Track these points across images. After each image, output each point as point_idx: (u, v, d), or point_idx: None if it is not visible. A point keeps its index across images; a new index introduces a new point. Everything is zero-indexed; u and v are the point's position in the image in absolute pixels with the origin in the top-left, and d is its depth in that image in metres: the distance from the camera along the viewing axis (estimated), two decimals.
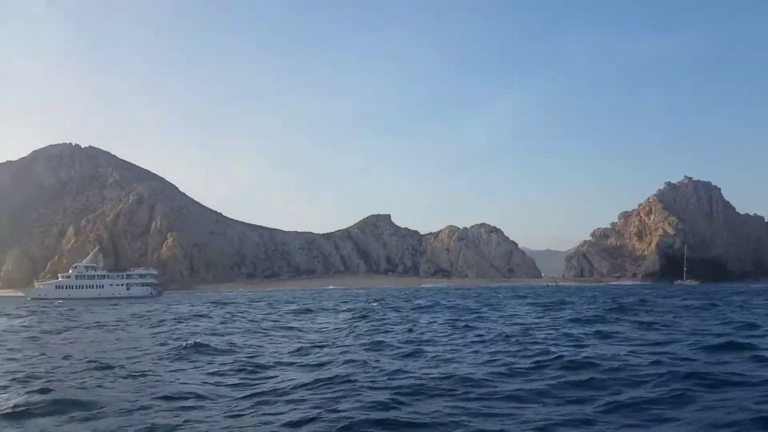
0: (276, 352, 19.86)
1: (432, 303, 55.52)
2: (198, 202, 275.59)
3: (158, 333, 28.51)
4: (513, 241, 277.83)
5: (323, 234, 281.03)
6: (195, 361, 17.77)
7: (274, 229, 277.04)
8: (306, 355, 18.92)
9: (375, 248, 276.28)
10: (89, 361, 17.69)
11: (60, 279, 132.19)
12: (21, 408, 11.35)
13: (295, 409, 10.90)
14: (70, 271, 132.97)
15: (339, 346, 20.79)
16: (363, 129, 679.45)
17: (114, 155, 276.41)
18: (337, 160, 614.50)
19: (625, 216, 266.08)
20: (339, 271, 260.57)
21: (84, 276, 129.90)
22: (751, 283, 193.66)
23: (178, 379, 14.70)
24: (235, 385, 13.83)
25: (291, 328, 29.37)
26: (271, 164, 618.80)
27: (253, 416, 10.60)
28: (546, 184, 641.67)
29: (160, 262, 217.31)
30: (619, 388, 12.05)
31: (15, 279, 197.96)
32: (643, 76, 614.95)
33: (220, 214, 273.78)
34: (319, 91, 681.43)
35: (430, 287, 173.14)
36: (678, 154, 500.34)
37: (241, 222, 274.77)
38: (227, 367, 16.33)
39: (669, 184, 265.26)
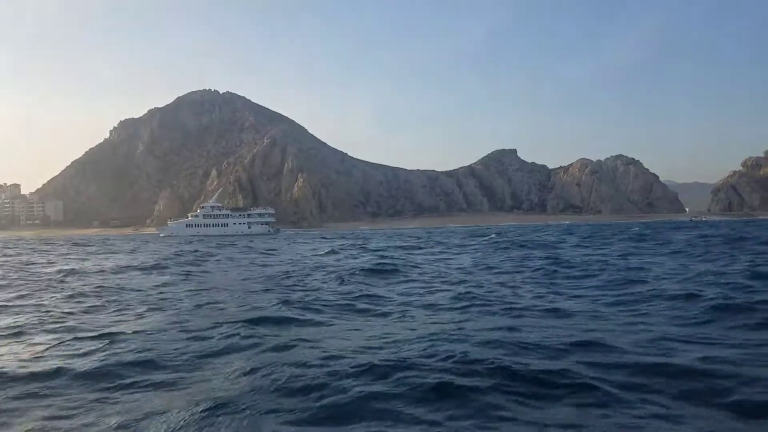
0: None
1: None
2: (325, 143, 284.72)
3: None
4: (653, 173, 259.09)
5: (446, 171, 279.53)
6: None
7: (396, 168, 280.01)
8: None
9: (499, 185, 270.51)
10: None
11: (190, 218, 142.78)
12: None
13: None
14: (198, 211, 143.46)
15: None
16: (487, 62, 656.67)
17: (249, 100, 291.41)
18: (460, 96, 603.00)
19: None
20: (462, 209, 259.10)
21: (210, 215, 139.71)
22: None
23: None
24: None
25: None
26: (393, 103, 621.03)
27: None
28: (693, 108, 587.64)
29: (292, 200, 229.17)
30: None
31: (166, 218, 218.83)
32: None
33: (346, 154, 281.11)
34: (442, 29, 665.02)
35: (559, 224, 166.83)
36: None
37: (365, 161, 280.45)
38: None
39: None
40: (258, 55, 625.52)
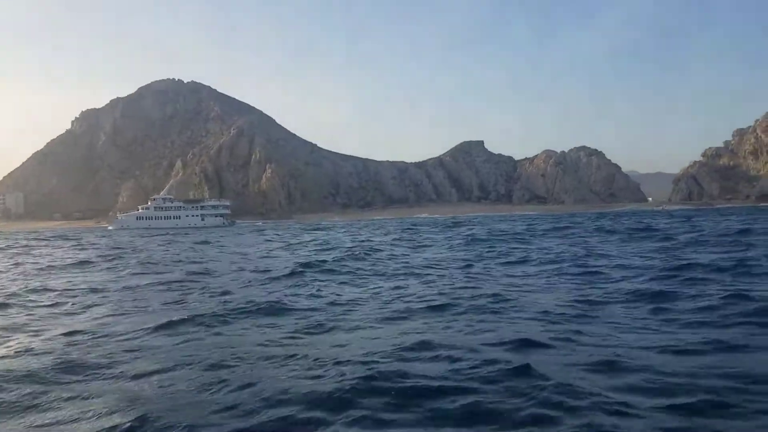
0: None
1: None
2: (294, 134, 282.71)
3: None
4: (615, 164, 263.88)
5: (415, 163, 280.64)
6: None
7: (366, 159, 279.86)
8: None
9: (467, 176, 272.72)
10: None
11: (140, 210, 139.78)
12: None
13: None
14: (149, 203, 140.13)
15: None
16: (454, 53, 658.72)
17: (215, 89, 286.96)
18: (429, 87, 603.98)
19: (740, 133, 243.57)
20: (431, 200, 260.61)
21: (162, 208, 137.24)
22: None
23: None
24: None
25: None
26: (362, 95, 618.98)
27: None
28: (654, 101, 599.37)
29: (260, 192, 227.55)
30: None
31: (130, 210, 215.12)
32: None
33: (315, 145, 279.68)
34: (409, 19, 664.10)
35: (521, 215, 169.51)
36: None
37: (335, 152, 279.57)
38: None
39: None
40: (225, 44, 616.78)
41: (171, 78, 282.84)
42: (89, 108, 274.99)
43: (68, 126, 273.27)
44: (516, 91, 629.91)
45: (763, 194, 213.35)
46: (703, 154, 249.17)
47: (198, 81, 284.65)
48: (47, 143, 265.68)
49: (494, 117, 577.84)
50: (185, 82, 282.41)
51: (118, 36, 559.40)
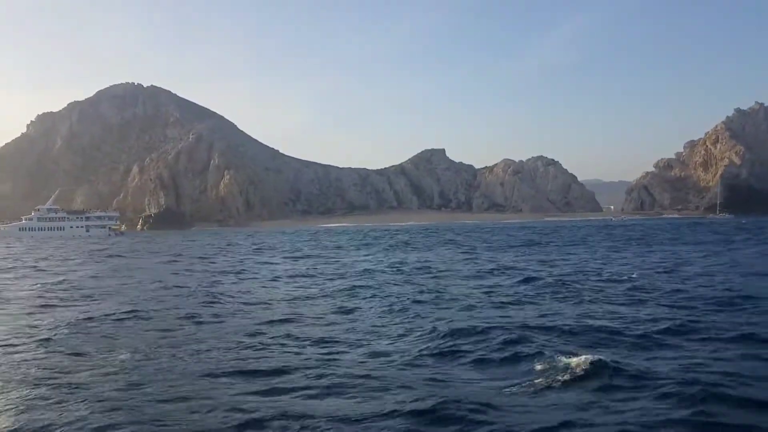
0: None
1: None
2: (255, 139, 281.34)
3: None
4: (572, 174, 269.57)
5: (377, 170, 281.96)
6: None
7: (328, 166, 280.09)
8: None
9: (428, 183, 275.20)
10: None
11: (23, 221, 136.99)
12: None
13: None
14: (33, 214, 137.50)
15: None
16: (417, 61, 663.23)
17: (174, 94, 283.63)
18: (390, 95, 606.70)
19: (691, 145, 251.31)
20: (392, 207, 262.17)
21: (46, 218, 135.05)
22: None
23: None
24: None
25: None
26: (325, 101, 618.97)
27: None
28: (609, 114, 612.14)
29: (218, 198, 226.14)
30: None
31: None
32: None
33: (277, 151, 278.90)
34: (369, 24, 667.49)
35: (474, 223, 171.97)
36: (753, 78, 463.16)
37: (296, 158, 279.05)
38: None
39: (738, 110, 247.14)
40: (187, 48, 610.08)
41: (130, 82, 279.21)
42: (45, 112, 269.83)
43: (24, 130, 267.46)
44: (478, 100, 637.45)
45: (711, 205, 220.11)
46: (655, 165, 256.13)
47: (158, 85, 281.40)
48: (1, 147, 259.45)
49: (456, 125, 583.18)
50: (144, 86, 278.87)
51: (76, 39, 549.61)
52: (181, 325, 15.11)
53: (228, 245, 64.04)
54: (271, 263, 37.13)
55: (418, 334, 13.03)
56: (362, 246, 55.49)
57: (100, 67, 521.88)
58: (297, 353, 11.53)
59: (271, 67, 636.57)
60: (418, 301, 18.07)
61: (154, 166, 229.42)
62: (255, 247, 59.45)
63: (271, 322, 15.16)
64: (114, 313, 16.78)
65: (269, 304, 18.74)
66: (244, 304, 18.75)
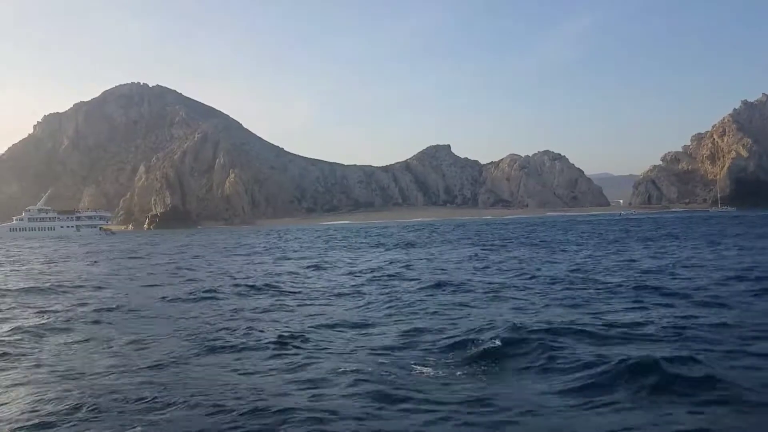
0: None
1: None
2: (260, 138, 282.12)
3: None
4: (579, 168, 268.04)
5: (382, 167, 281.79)
6: None
7: (334, 163, 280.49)
8: None
9: (434, 180, 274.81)
10: None
11: (14, 221, 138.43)
12: None
13: None
14: (23, 214, 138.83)
15: None
16: (423, 57, 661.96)
17: (180, 93, 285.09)
18: (396, 91, 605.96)
19: (698, 138, 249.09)
20: (397, 204, 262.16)
21: (36, 219, 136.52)
22: None
23: None
24: None
25: None
26: (329, 98, 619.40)
27: None
28: (617, 108, 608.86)
29: (224, 197, 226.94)
30: None
31: None
32: None
33: (282, 149, 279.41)
34: (373, 20, 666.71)
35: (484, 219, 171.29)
36: (760, 70, 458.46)
37: (301, 156, 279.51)
38: None
39: (746, 102, 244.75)
40: (193, 47, 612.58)
41: (136, 82, 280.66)
42: (52, 112, 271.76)
43: (30, 131, 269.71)
44: (484, 95, 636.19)
45: (717, 198, 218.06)
46: (663, 159, 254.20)
47: (163, 85, 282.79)
48: (8, 148, 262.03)
49: (462, 121, 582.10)
50: (150, 86, 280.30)
51: (83, 39, 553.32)
52: None
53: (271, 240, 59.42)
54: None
55: None
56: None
57: (105, 67, 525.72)
58: None
59: (275, 65, 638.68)
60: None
61: (160, 165, 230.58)
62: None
63: None
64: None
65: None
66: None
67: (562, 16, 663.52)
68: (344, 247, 43.41)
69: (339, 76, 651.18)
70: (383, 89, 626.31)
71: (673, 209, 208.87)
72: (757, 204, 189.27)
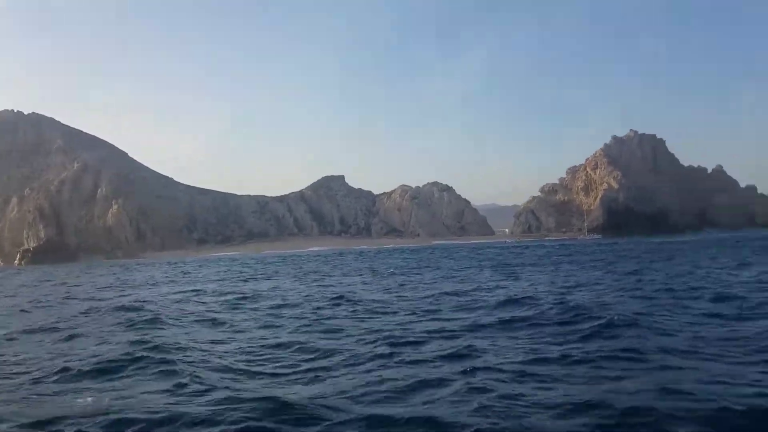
0: None
1: None
2: (148, 168, 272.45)
3: None
4: (465, 200, 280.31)
5: (277, 197, 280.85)
6: None
7: (227, 193, 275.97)
8: None
9: (328, 210, 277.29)
10: None
11: None
12: None
13: None
14: None
15: None
16: (313, 90, 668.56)
17: (59, 122, 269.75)
18: (290, 122, 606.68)
19: (573, 171, 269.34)
20: (292, 234, 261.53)
21: None
22: (691, 235, 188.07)
23: None
24: None
25: None
26: (223, 129, 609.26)
27: None
28: (499, 141, 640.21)
29: (106, 228, 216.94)
30: None
31: None
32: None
33: (171, 179, 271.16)
34: (268, 54, 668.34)
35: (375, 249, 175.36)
36: (632, 106, 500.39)
37: (193, 186, 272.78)
38: None
39: (615, 137, 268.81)
40: (74, 74, 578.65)
41: (9, 109, 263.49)
42: None
43: None
44: (375, 127, 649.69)
45: (591, 228, 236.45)
46: (541, 190, 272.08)
47: (40, 113, 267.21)
48: None
49: (354, 151, 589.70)
50: (25, 113, 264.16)
51: None
52: None
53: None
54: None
55: None
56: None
57: None
58: None
59: (163, 93, 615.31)
60: None
61: (34, 196, 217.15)
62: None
63: None
64: None
65: None
66: None
67: (453, 52, 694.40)
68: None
69: (232, 109, 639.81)
70: (278, 118, 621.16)
71: (550, 237, 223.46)
72: (630, 233, 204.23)
